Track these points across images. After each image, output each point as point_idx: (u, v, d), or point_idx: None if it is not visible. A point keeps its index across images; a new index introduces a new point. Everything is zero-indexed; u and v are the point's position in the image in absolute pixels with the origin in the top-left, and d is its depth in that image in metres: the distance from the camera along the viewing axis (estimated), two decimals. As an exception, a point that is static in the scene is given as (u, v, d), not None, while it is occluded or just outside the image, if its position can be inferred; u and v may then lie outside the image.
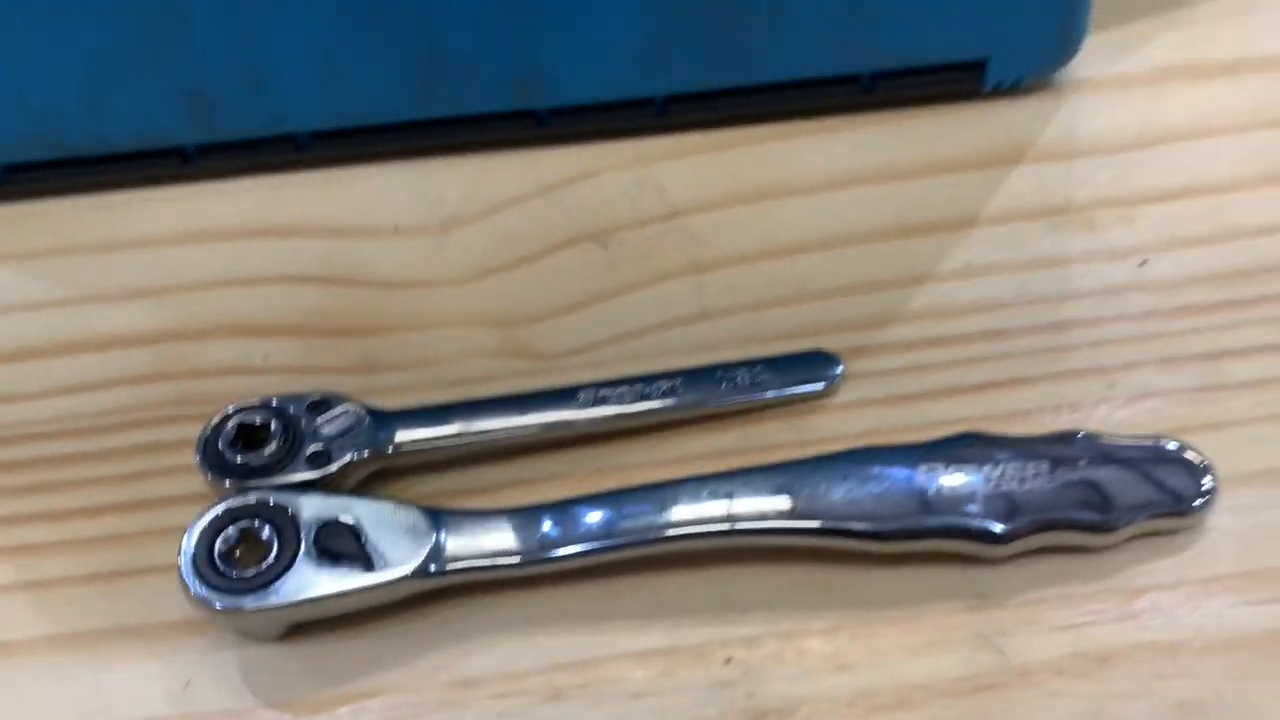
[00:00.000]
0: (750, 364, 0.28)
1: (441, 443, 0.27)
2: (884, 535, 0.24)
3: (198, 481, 0.27)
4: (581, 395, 0.27)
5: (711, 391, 0.27)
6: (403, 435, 0.26)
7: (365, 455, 0.26)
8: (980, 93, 0.32)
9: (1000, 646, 0.23)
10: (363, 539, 0.24)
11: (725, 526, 0.24)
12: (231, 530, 0.24)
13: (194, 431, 0.27)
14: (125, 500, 0.27)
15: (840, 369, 0.27)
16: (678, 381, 0.28)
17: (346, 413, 0.26)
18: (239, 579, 0.23)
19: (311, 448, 0.26)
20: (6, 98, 0.30)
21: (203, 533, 0.24)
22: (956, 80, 0.32)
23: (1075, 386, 0.27)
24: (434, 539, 0.24)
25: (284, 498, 0.24)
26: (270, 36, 0.30)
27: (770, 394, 0.27)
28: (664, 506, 0.24)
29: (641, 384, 0.28)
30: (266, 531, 0.24)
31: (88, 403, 0.29)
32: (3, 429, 0.28)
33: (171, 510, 0.27)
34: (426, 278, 0.30)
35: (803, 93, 0.32)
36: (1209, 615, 0.24)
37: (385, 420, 0.26)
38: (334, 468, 0.26)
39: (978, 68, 0.32)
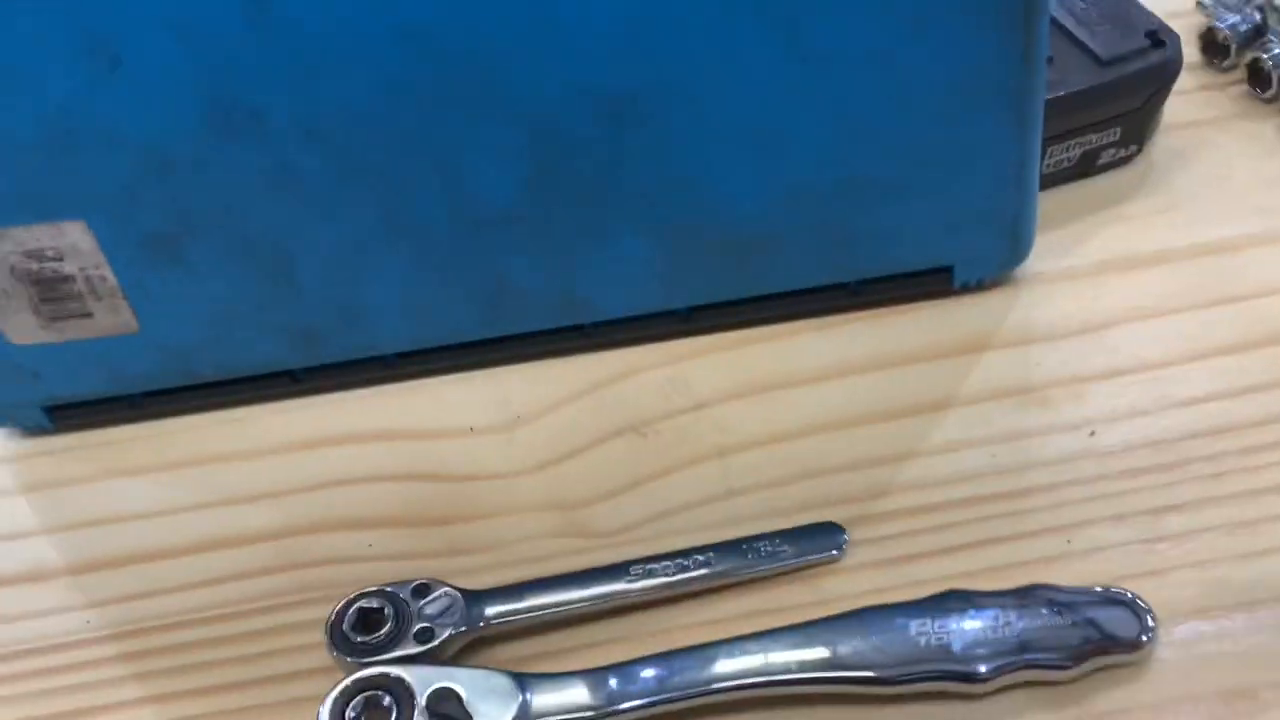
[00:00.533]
0: (771, 536, 0.34)
1: (521, 615, 0.32)
2: (886, 681, 0.29)
3: (321, 658, 0.33)
4: (632, 570, 0.33)
5: (740, 561, 0.33)
6: (490, 610, 0.32)
7: (461, 630, 0.32)
8: (950, 291, 0.39)
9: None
10: (465, 702, 0.30)
11: (759, 679, 0.29)
12: (359, 699, 0.30)
13: (315, 614, 0.33)
14: (262, 676, 0.33)
15: (845, 537, 0.33)
16: (711, 555, 0.33)
17: (444, 595, 0.32)
18: (367, 743, 0.29)
19: (418, 626, 0.32)
20: (147, 342, 0.37)
21: (334, 702, 0.30)
22: (930, 283, 0.38)
23: (1039, 543, 0.33)
24: (520, 699, 0.30)
25: (400, 670, 0.30)
26: (364, 282, 0.36)
27: (789, 562, 0.33)
28: (708, 664, 0.30)
29: (681, 558, 0.33)
30: (387, 700, 0.30)
31: (223, 593, 0.35)
32: (153, 619, 0.34)
33: (301, 683, 0.32)
34: (498, 470, 0.36)
35: (801, 298, 0.39)
36: (1158, 734, 0.29)
37: (476, 599, 0.32)
38: (436, 642, 0.31)
39: (947, 270, 0.38)
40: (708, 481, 0.35)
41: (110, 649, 0.34)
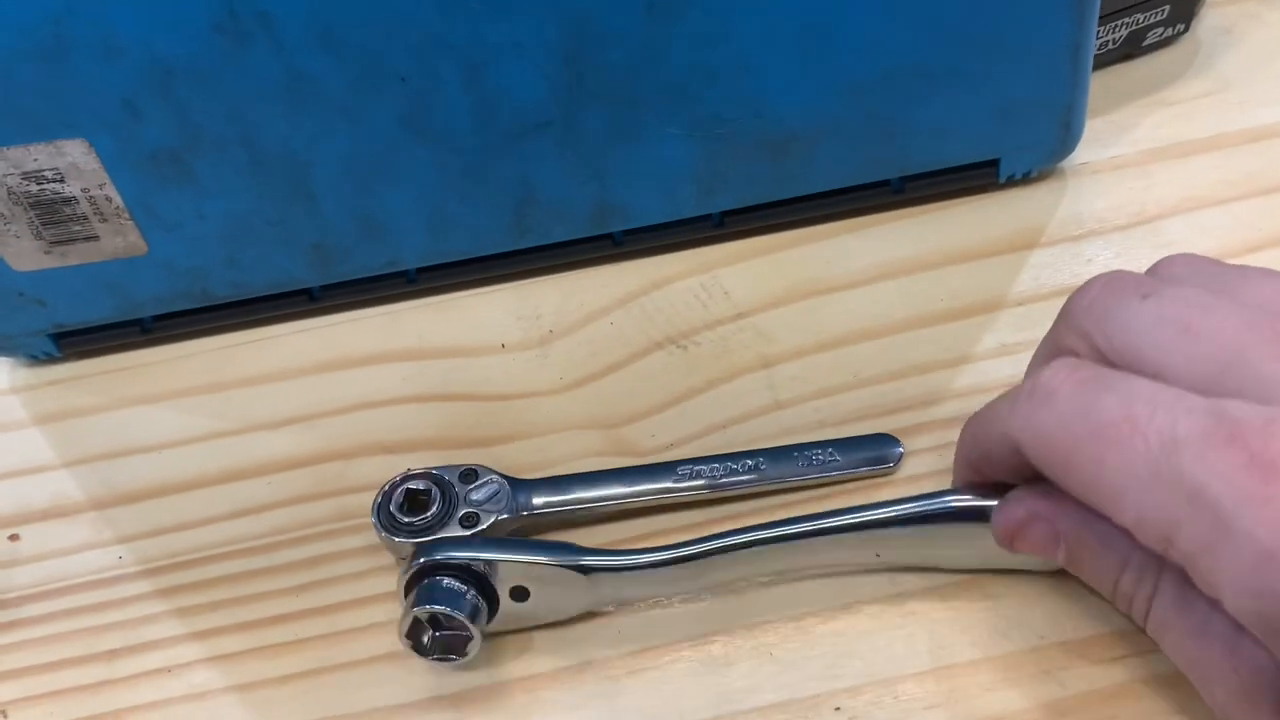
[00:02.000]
0: (824, 445, 0.33)
1: (567, 507, 0.32)
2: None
3: (368, 587, 0.32)
4: (679, 469, 0.32)
5: (790, 468, 0.32)
6: (537, 499, 0.32)
7: (505, 517, 0.31)
8: (995, 185, 0.37)
9: (1060, 680, 0.28)
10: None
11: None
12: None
13: (357, 542, 0.33)
14: (306, 608, 0.32)
15: (900, 449, 0.32)
16: (761, 460, 0.32)
17: (491, 481, 0.31)
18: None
19: (464, 510, 0.31)
20: (157, 264, 0.35)
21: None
22: (974, 177, 0.37)
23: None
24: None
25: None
26: (382, 194, 0.35)
27: (842, 472, 0.32)
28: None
29: (730, 461, 0.32)
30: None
31: (259, 523, 0.33)
32: (187, 553, 0.33)
33: (346, 614, 0.31)
34: (535, 388, 0.35)
35: (840, 198, 0.37)
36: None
37: (522, 487, 0.32)
38: (481, 527, 0.31)
39: (992, 165, 0.37)
40: (753, 394, 0.34)
41: (145, 585, 0.33)
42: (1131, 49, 0.40)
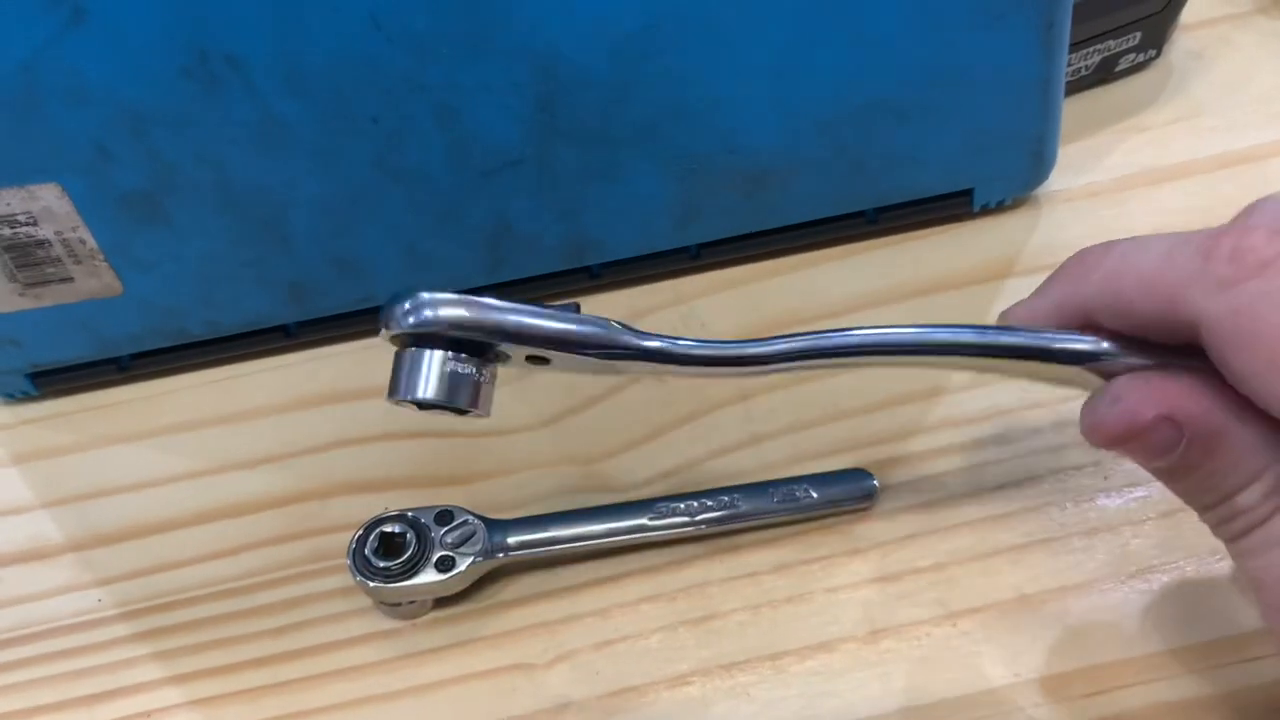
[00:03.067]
0: (799, 480, 0.33)
1: (543, 547, 0.32)
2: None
3: (344, 630, 0.32)
4: (656, 507, 0.32)
5: (766, 504, 0.32)
6: (513, 539, 0.32)
7: (481, 559, 0.31)
8: (969, 214, 0.37)
9: (1033, 717, 0.28)
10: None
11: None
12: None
13: (334, 583, 0.33)
14: (284, 650, 0.32)
15: (875, 484, 0.32)
16: (737, 496, 0.32)
17: (467, 522, 0.32)
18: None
19: (439, 554, 0.31)
20: (133, 304, 0.35)
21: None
22: (948, 207, 0.37)
23: (1076, 479, 0.32)
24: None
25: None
26: (357, 233, 0.35)
27: (818, 510, 0.32)
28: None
29: (706, 498, 0.32)
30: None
31: (237, 565, 0.33)
32: (166, 595, 0.33)
33: (325, 657, 0.31)
34: (512, 424, 0.35)
35: (816, 229, 0.37)
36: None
37: (498, 528, 0.32)
38: (456, 571, 0.31)
39: (966, 194, 0.37)
40: (731, 427, 0.34)
41: (124, 628, 0.33)
42: (1104, 74, 0.40)
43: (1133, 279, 0.23)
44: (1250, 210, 0.22)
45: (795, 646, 0.30)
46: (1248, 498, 0.23)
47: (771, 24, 0.31)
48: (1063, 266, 0.26)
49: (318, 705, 0.31)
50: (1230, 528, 0.24)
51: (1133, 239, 0.24)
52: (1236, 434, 0.23)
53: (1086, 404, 0.24)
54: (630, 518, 0.32)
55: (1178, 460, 0.23)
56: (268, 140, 0.32)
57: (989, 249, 0.37)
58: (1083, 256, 0.25)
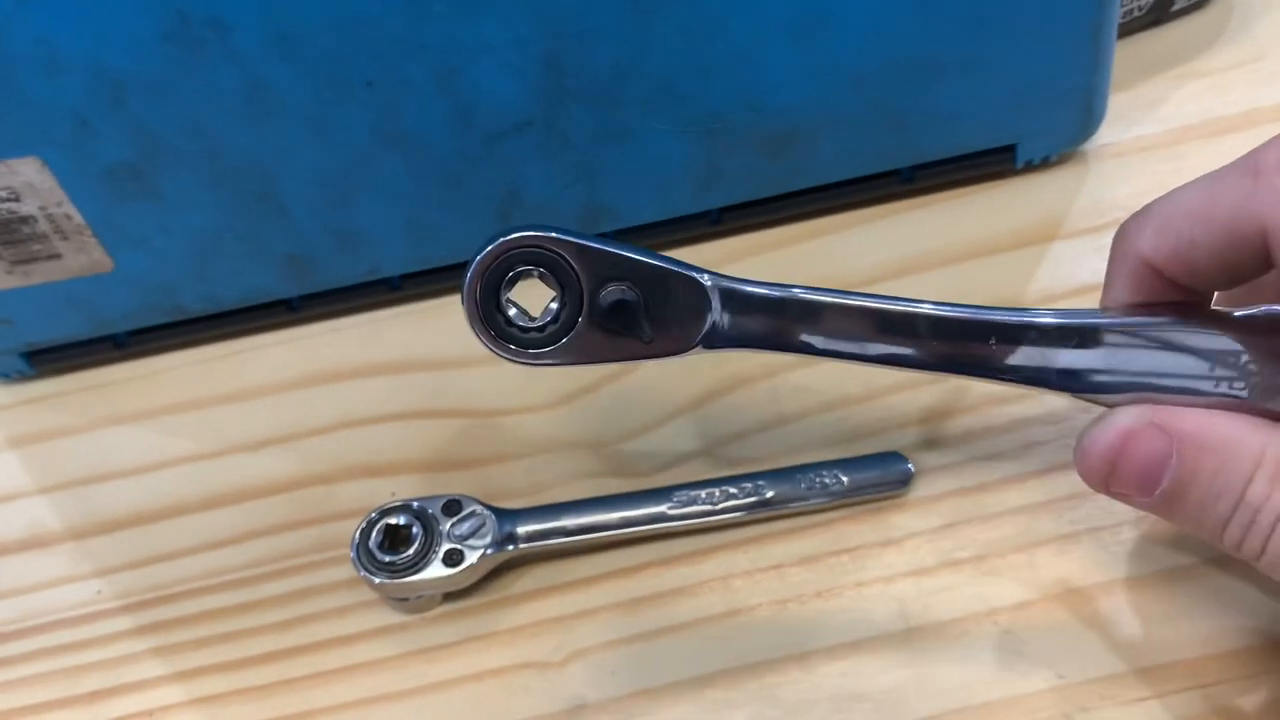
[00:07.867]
0: (829, 465, 0.31)
1: (555, 538, 0.30)
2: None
3: (350, 624, 0.30)
4: (675, 495, 0.30)
5: (794, 490, 0.30)
6: (523, 529, 0.30)
7: (491, 552, 0.30)
8: (1011, 171, 0.35)
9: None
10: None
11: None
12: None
13: (340, 574, 0.31)
14: (289, 646, 0.30)
15: (910, 468, 0.30)
16: (762, 482, 0.31)
17: (475, 513, 0.30)
18: None
19: (447, 546, 0.29)
20: (125, 280, 0.33)
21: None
22: (988, 164, 0.34)
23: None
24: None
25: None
26: (357, 203, 0.33)
27: (850, 496, 0.30)
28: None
29: (728, 484, 0.31)
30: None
31: (240, 554, 0.32)
32: (166, 586, 0.32)
33: (331, 653, 0.30)
34: (525, 404, 0.33)
35: (845, 190, 0.35)
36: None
37: (508, 518, 0.30)
38: (465, 565, 0.29)
39: (1008, 150, 0.34)
40: (756, 407, 0.32)
41: (125, 621, 0.31)
42: (1159, 15, 0.37)
43: (1185, 220, 0.24)
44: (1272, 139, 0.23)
45: (824, 645, 0.28)
46: (1257, 489, 0.23)
47: (795, -29, 0.28)
48: (1113, 249, 0.25)
49: (324, 704, 0.29)
50: (1254, 532, 0.23)
51: (1162, 196, 0.24)
52: (1225, 424, 0.23)
53: (1077, 442, 0.25)
54: (648, 506, 0.30)
55: (1175, 471, 0.23)
56: (257, 108, 0.30)
57: (1032, 209, 0.34)
58: (1124, 229, 0.25)
